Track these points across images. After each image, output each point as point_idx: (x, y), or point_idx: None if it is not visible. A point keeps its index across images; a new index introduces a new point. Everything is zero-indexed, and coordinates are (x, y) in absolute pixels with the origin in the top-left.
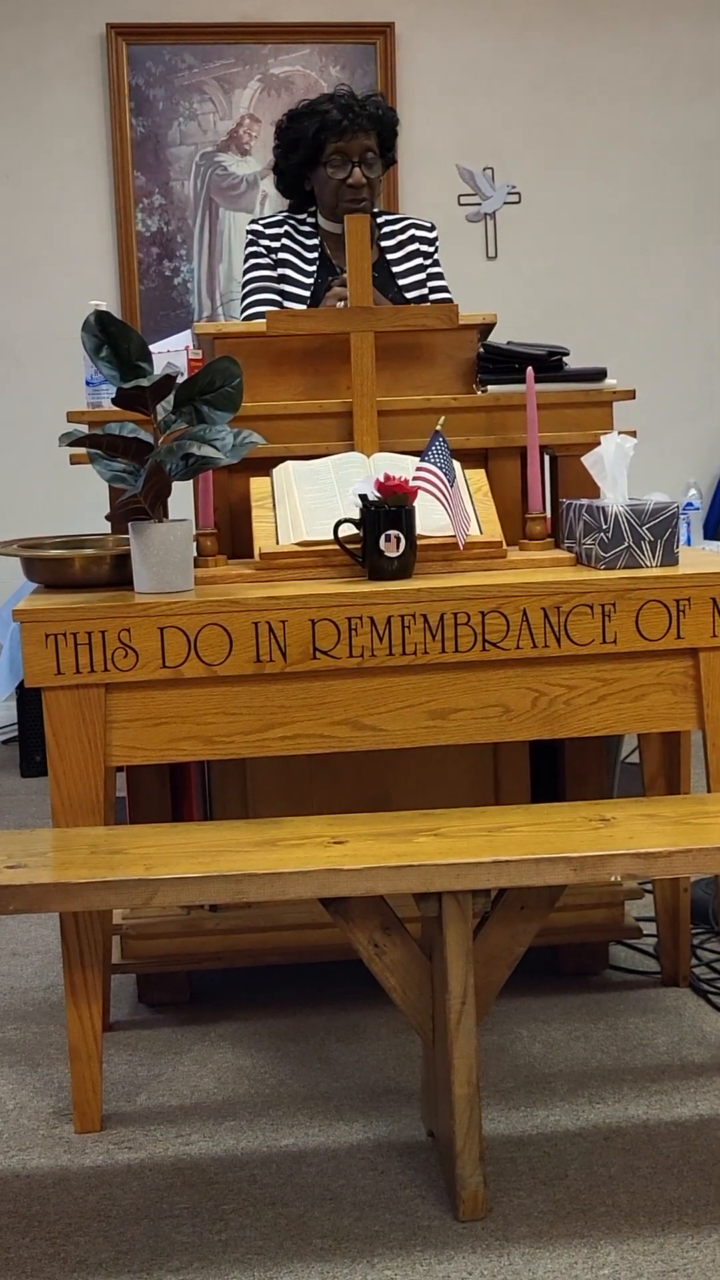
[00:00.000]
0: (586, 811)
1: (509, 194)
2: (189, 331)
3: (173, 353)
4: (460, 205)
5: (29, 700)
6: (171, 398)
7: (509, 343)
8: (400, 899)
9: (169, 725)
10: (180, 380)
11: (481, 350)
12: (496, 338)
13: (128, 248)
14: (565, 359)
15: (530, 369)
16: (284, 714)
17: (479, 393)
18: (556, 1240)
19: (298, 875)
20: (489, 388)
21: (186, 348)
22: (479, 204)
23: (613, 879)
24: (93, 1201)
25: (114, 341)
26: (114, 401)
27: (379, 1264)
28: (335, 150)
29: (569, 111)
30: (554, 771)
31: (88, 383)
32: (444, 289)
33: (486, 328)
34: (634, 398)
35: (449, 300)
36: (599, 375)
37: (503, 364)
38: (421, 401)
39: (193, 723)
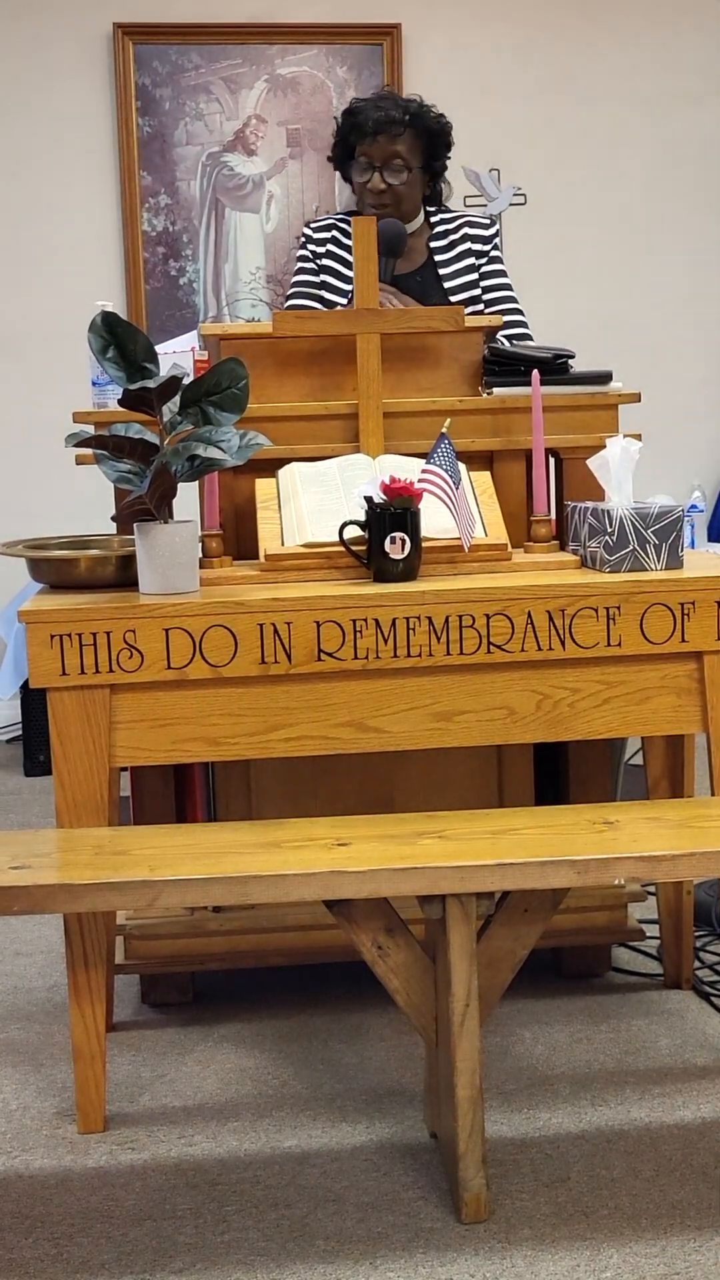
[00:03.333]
0: (590, 814)
1: (515, 195)
2: (195, 332)
3: (179, 353)
4: (466, 206)
5: (33, 699)
6: (177, 399)
7: (514, 345)
8: (404, 901)
9: (173, 726)
10: (186, 381)
11: (487, 352)
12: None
13: (134, 247)
14: (571, 362)
15: (536, 372)
16: (288, 715)
17: (484, 395)
18: (559, 1242)
19: (302, 877)
20: (494, 390)
21: (192, 348)
22: (485, 205)
23: (616, 882)
24: (95, 1202)
25: (120, 342)
26: (120, 402)
27: (381, 1266)
28: (362, 153)
29: (575, 113)
30: (557, 774)
31: (94, 383)
32: (501, 286)
33: (492, 330)
34: (639, 400)
35: (507, 298)
36: (604, 378)
37: (508, 366)
38: (427, 403)
39: (197, 724)
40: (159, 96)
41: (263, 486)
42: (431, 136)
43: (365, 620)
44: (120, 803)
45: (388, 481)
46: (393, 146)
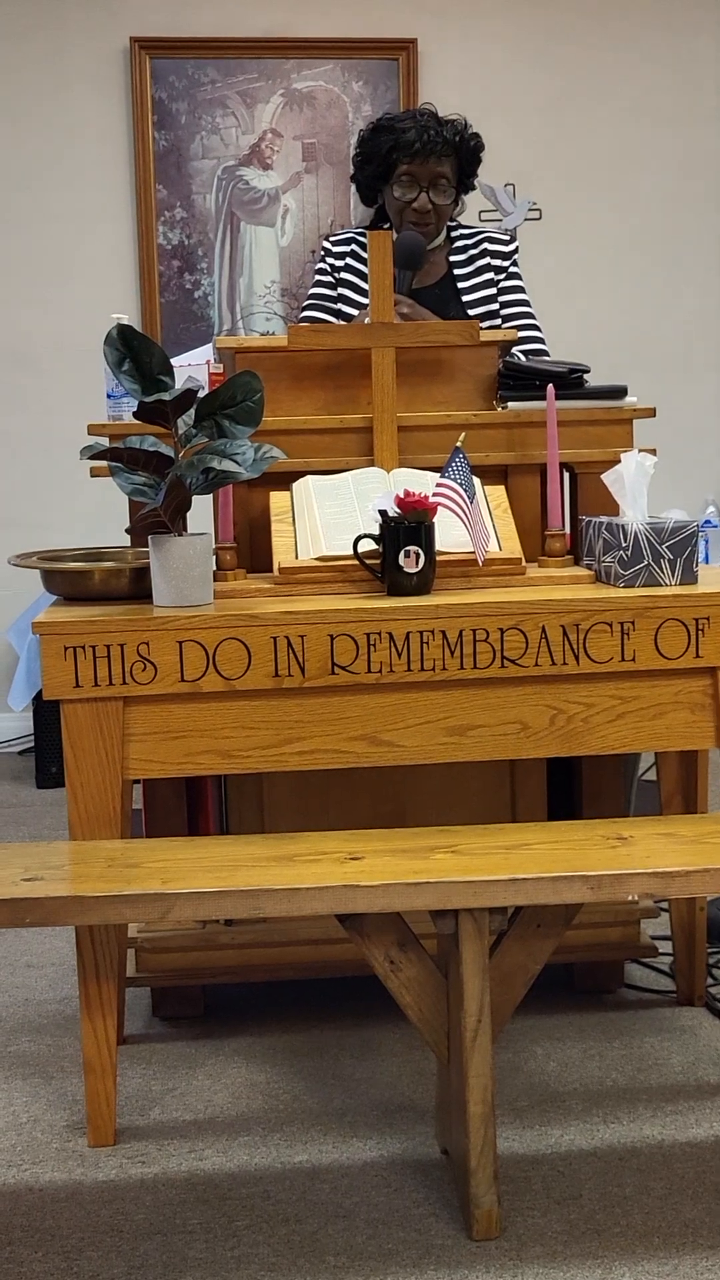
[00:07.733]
0: (603, 830)
1: (530, 210)
2: (210, 345)
3: (194, 366)
4: (481, 221)
5: (45, 711)
6: (193, 412)
7: (529, 359)
8: (416, 916)
9: (187, 739)
10: (201, 394)
11: (502, 367)
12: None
13: (149, 260)
14: (586, 376)
15: (551, 386)
16: (301, 729)
17: (499, 409)
18: (570, 1260)
19: (314, 891)
20: (509, 404)
21: (208, 361)
22: (500, 220)
23: (629, 898)
24: (105, 1216)
25: (136, 355)
26: (135, 415)
27: None
28: (406, 171)
29: (590, 128)
30: (571, 789)
31: (109, 395)
32: (519, 303)
33: (507, 344)
34: (654, 415)
35: (524, 314)
36: (620, 393)
37: (523, 381)
38: (442, 417)
39: (210, 737)
40: (175, 110)
41: (277, 499)
42: (470, 156)
43: (379, 634)
44: (132, 815)
45: (402, 495)
46: (440, 167)
